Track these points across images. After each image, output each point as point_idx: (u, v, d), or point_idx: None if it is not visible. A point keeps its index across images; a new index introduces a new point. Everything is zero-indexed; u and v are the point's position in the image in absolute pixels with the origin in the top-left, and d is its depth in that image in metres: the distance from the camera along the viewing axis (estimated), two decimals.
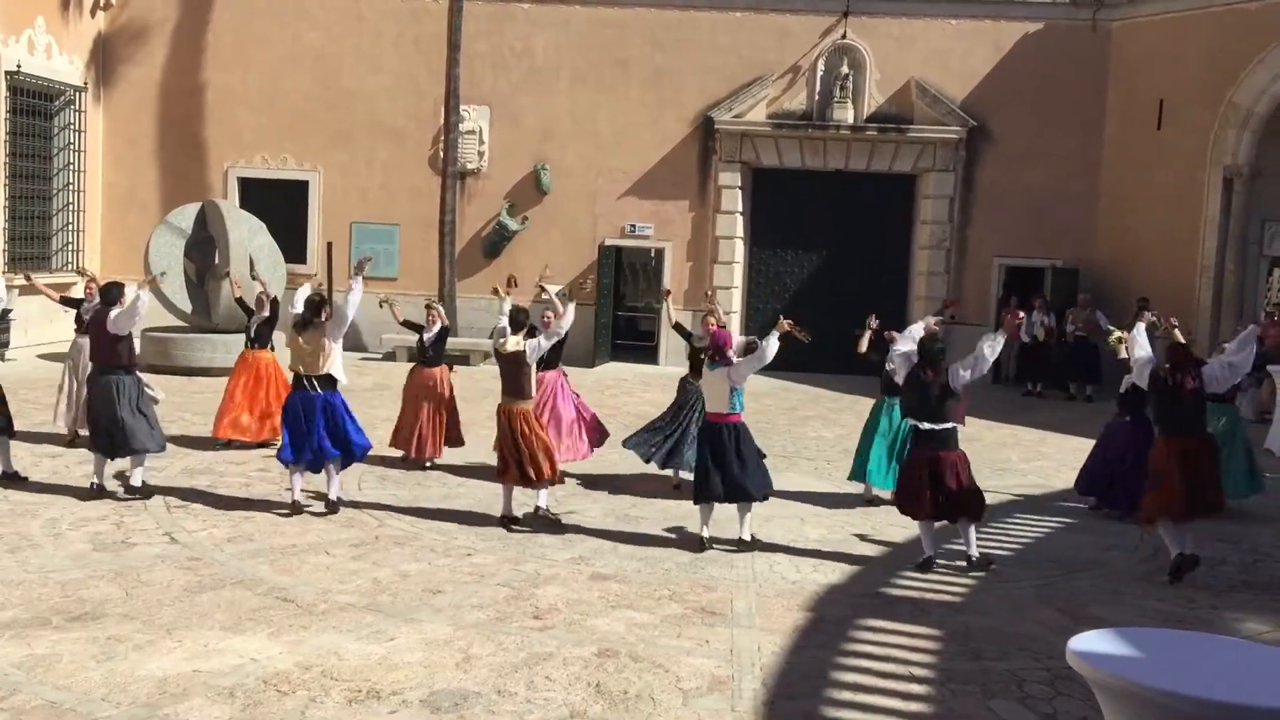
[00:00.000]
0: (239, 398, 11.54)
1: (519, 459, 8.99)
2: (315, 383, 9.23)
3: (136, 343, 9.87)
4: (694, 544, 8.69)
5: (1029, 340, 18.64)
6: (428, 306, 11.66)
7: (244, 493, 9.76)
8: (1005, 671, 6.38)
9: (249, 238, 17.45)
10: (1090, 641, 3.66)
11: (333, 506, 9.20)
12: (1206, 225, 18.29)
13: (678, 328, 10.92)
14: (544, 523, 9.08)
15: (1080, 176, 19.84)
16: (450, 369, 11.60)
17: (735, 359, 8.78)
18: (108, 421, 9.31)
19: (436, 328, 11.29)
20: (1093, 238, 19.84)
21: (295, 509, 9.12)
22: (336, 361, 9.58)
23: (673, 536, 8.99)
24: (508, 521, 9.09)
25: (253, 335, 11.90)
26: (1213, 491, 8.32)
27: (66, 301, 11.65)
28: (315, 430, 9.09)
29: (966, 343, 19.23)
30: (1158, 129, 18.83)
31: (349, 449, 9.33)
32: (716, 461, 8.61)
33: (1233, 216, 18.18)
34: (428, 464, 11.03)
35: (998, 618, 7.35)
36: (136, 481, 9.42)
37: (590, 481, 10.75)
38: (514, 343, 9.13)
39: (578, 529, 9.10)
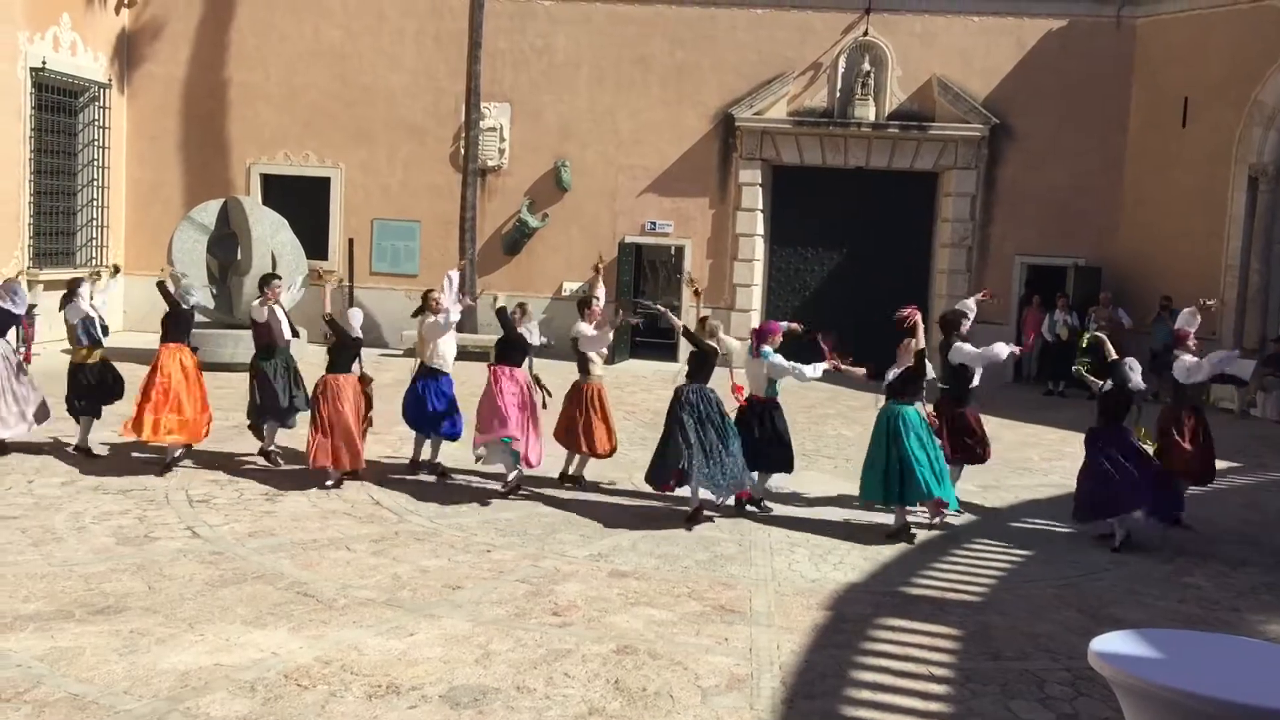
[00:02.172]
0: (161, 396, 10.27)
1: (593, 429, 10.16)
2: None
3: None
4: (755, 514, 9.55)
5: (1051, 339, 18.56)
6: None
7: (266, 487, 9.81)
8: (1025, 672, 6.36)
9: (271, 234, 17.54)
10: (1112, 642, 3.64)
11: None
12: (1231, 224, 18.15)
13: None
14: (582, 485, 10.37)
15: (1103, 174, 19.72)
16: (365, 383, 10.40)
17: (774, 357, 9.64)
18: (284, 395, 10.64)
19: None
20: (1116, 236, 19.72)
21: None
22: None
23: (692, 534, 8.99)
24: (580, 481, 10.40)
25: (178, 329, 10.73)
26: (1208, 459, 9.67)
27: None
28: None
29: (984, 340, 19.22)
30: (1182, 127, 18.70)
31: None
32: (749, 433, 9.43)
33: (1257, 215, 18.02)
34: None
35: (1018, 617, 7.32)
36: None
37: (610, 479, 10.76)
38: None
39: (596, 526, 9.11)
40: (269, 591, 7.12)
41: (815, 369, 9.56)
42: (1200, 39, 18.53)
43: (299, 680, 5.76)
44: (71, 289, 10.83)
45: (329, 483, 9.81)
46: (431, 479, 10.46)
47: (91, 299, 10.89)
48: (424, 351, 10.67)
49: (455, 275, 11.00)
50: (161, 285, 10.93)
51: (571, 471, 10.53)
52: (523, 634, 6.57)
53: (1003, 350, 9.89)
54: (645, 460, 11.21)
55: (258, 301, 10.85)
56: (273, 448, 10.88)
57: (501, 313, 10.32)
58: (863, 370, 9.55)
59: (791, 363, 9.58)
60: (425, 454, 10.82)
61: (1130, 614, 7.45)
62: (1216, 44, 18.24)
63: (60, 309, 10.91)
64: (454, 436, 10.69)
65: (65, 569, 7.37)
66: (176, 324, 10.69)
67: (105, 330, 11.07)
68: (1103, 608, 7.61)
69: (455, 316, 10.54)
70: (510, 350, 10.16)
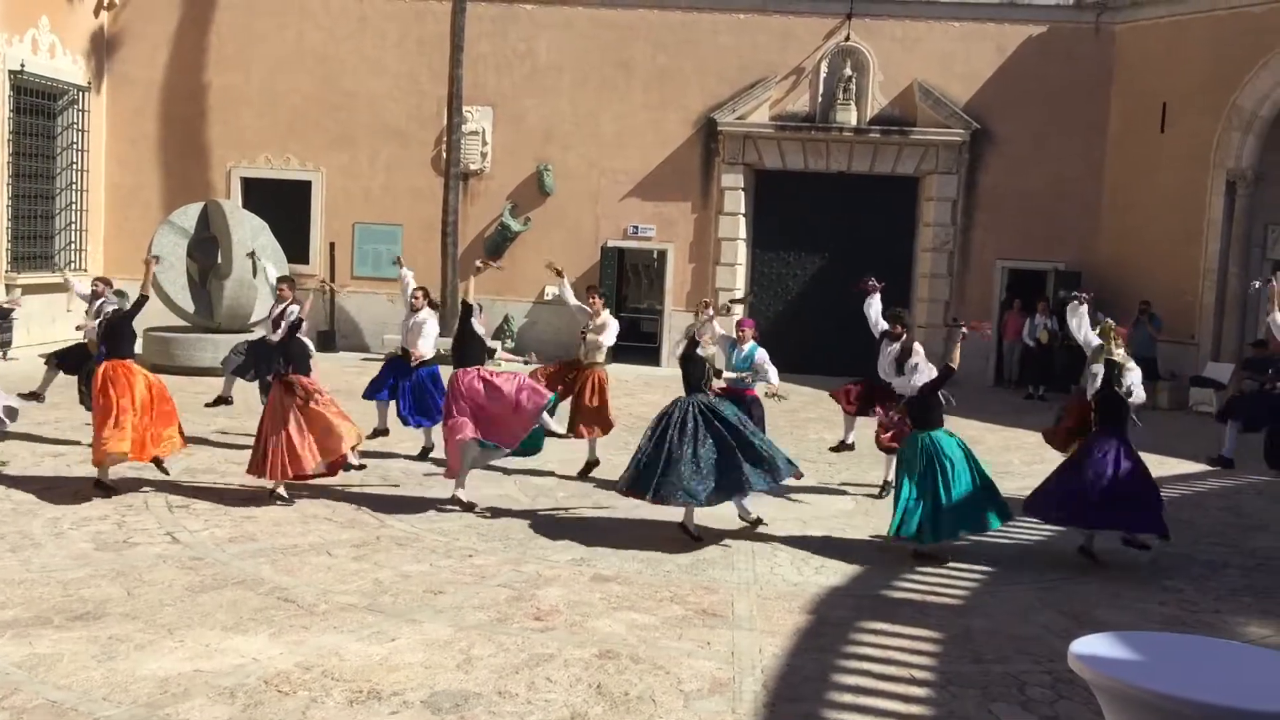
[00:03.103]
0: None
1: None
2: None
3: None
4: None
5: (1032, 343, 18.65)
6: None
7: (246, 492, 9.75)
8: (1006, 674, 6.38)
9: (251, 238, 17.47)
10: (1092, 645, 3.65)
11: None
12: (1209, 228, 18.29)
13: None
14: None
15: (1083, 179, 19.83)
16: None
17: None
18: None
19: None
20: (1095, 240, 19.84)
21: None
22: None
23: (674, 538, 8.98)
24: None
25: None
26: None
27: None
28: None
29: (971, 344, 19.31)
30: (1161, 132, 18.83)
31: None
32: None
33: (1235, 220, 18.18)
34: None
35: (999, 620, 7.34)
36: None
37: (592, 483, 10.76)
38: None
39: (579, 530, 9.10)
40: (249, 597, 7.08)
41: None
42: (1179, 44, 18.67)
43: (279, 686, 5.73)
44: (96, 291, 11.15)
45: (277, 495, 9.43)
46: (412, 480, 10.44)
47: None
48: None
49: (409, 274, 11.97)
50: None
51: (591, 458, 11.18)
52: (505, 639, 6.55)
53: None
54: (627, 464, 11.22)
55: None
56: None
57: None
58: None
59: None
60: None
61: (1111, 616, 7.48)
62: (1195, 49, 18.38)
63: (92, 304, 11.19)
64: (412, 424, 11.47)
65: (43, 575, 7.32)
66: (106, 334, 10.03)
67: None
68: (1084, 610, 7.64)
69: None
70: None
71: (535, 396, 9.46)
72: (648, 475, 8.64)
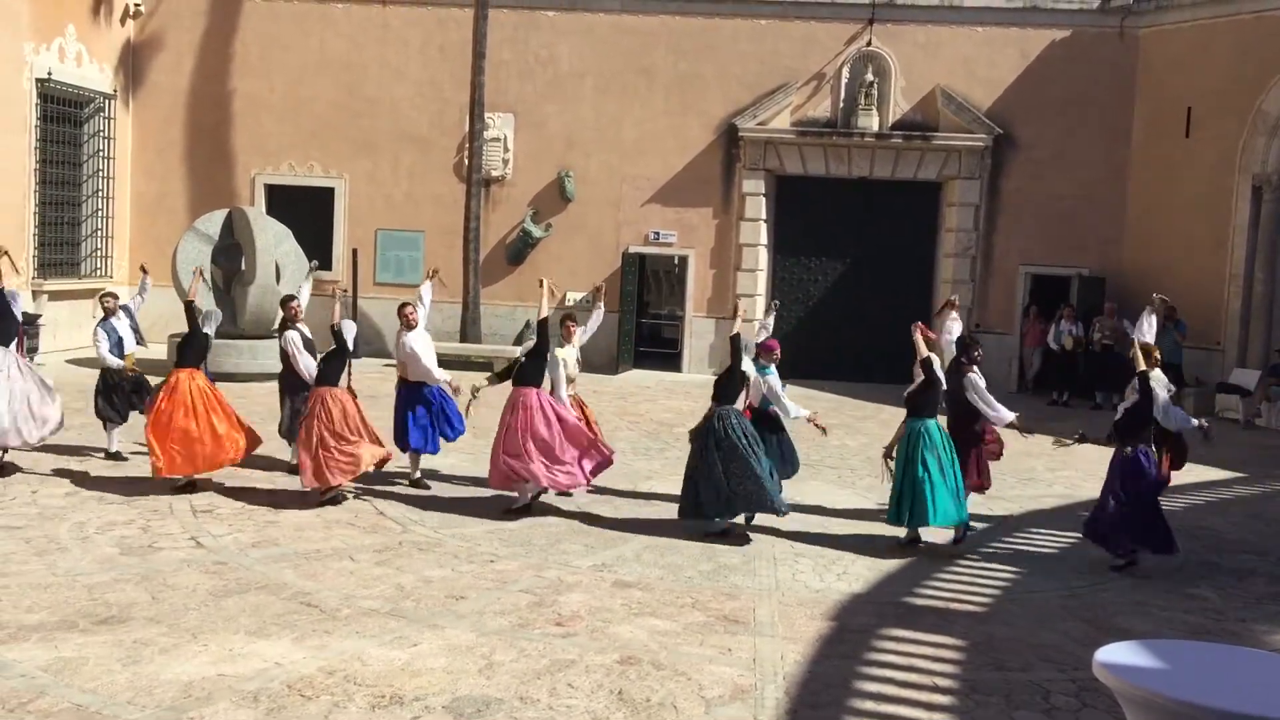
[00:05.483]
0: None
1: None
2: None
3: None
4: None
5: (1056, 348, 18.55)
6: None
7: (269, 498, 9.82)
8: (1030, 682, 6.34)
9: (275, 244, 17.57)
10: (1117, 653, 3.63)
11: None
12: (1235, 234, 18.14)
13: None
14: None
15: (1107, 184, 19.71)
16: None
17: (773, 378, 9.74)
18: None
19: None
20: (1120, 246, 19.72)
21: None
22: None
23: (696, 544, 8.98)
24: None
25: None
26: None
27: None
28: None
29: (994, 350, 19.28)
30: (1185, 136, 18.70)
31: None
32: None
33: (1262, 225, 18.01)
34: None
35: (1022, 628, 7.30)
36: None
37: (613, 488, 10.75)
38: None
39: (600, 536, 9.10)
40: (272, 601, 7.11)
41: (798, 412, 9.63)
42: (1203, 49, 18.55)
43: (302, 691, 5.76)
44: (108, 308, 11.07)
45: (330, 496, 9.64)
46: (429, 489, 10.46)
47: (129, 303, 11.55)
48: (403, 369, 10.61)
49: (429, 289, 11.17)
50: (190, 306, 10.56)
51: None
52: (526, 644, 6.56)
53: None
54: (650, 470, 11.22)
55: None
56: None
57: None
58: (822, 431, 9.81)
59: (784, 396, 9.72)
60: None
61: (1136, 624, 7.43)
62: (1219, 54, 18.26)
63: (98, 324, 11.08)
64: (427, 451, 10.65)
65: (69, 579, 7.38)
66: (192, 348, 10.35)
67: (141, 338, 11.63)
68: (1108, 618, 7.59)
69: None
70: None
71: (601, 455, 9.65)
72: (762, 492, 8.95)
